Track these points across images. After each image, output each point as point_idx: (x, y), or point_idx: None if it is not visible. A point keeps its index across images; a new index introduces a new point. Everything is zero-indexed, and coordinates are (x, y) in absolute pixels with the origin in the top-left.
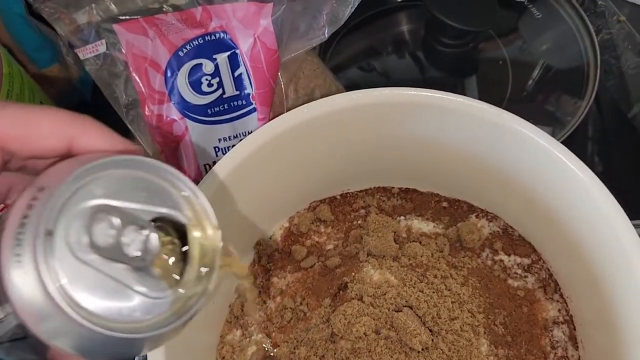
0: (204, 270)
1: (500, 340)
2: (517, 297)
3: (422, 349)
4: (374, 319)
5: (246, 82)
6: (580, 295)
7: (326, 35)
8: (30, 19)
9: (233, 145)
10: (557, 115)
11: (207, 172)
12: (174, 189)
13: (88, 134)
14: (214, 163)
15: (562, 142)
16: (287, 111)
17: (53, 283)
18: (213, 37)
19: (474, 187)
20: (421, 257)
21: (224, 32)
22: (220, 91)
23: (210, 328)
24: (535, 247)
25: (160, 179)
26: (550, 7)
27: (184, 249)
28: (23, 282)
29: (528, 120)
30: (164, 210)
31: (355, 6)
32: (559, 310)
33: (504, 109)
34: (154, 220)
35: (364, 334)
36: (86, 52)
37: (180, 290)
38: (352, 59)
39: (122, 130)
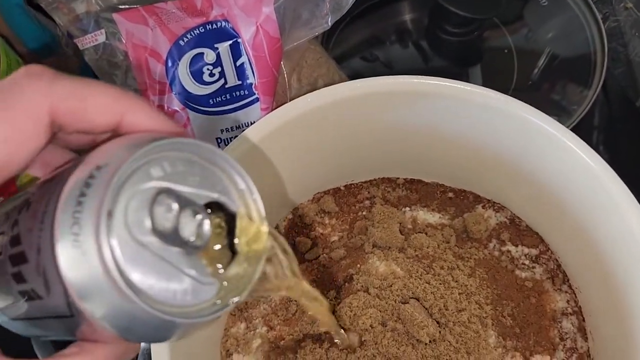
0: (247, 263)
1: (508, 331)
2: (525, 288)
3: (430, 341)
4: (380, 311)
5: (248, 71)
6: (589, 286)
7: (329, 24)
8: (28, 9)
9: (235, 136)
10: (563, 104)
11: None
12: (224, 175)
13: (137, 112)
14: None
15: None
16: (290, 101)
17: (114, 264)
18: (214, 26)
19: (480, 177)
20: (427, 248)
21: (226, 20)
22: (222, 81)
23: (214, 321)
24: (543, 237)
25: (210, 164)
26: None
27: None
28: (80, 261)
29: None
30: (215, 196)
31: None
32: (568, 301)
33: None
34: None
35: (370, 326)
36: (85, 42)
37: (226, 276)
38: (355, 48)
39: None
